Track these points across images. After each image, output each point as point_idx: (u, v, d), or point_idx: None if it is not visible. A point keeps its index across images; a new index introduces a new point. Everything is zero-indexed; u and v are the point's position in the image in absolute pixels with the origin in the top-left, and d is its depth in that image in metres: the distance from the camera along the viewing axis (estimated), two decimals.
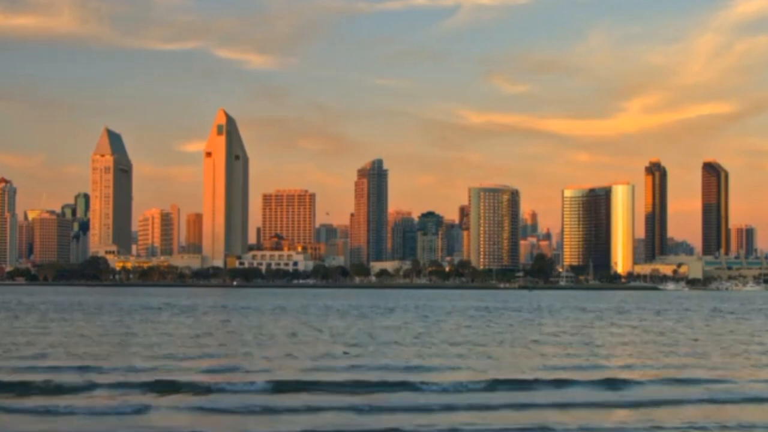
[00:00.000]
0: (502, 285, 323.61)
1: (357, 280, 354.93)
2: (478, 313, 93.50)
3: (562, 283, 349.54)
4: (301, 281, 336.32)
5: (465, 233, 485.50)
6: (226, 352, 37.09)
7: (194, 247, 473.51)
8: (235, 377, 26.16)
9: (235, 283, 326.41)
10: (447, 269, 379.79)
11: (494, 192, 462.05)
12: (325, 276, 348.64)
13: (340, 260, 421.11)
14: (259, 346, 40.97)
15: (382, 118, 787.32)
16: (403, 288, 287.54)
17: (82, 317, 74.56)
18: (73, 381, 24.06)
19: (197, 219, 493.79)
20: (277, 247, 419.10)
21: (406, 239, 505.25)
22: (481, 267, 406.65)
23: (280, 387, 23.25)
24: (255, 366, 30.11)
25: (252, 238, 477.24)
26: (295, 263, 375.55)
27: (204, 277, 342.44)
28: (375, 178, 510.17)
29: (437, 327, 61.85)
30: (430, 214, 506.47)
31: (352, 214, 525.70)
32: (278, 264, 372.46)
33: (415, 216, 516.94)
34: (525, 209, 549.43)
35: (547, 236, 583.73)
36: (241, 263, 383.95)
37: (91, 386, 23.00)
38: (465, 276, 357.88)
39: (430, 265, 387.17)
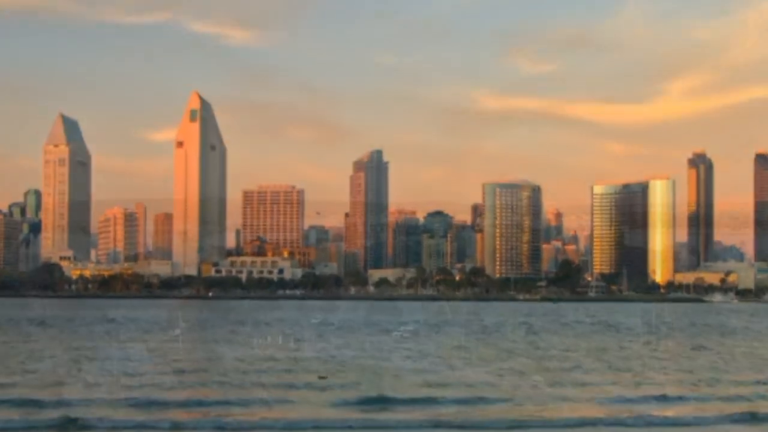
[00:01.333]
0: (521, 296, 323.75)
1: (353, 290, 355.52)
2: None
3: (592, 294, 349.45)
4: (287, 292, 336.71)
5: (478, 236, 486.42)
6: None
7: (163, 253, 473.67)
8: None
9: (210, 294, 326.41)
10: (457, 278, 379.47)
11: (512, 188, 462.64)
12: (316, 286, 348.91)
13: (332, 267, 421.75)
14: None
15: (382, 102, 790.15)
16: (409, 300, 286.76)
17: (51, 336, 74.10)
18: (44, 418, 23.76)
19: (166, 219, 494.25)
20: (260, 252, 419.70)
21: (409, 243, 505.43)
22: (497, 275, 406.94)
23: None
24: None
25: (230, 242, 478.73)
26: (281, 271, 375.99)
27: (175, 287, 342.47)
28: (373, 172, 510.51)
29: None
30: (437, 214, 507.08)
31: (346, 214, 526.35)
32: (261, 272, 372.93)
33: (420, 216, 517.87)
34: (548, 208, 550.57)
35: (574, 239, 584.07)
36: (218, 271, 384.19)
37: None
38: (478, 286, 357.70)
39: (438, 273, 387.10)
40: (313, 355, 55.20)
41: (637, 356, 78.84)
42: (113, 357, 51.78)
